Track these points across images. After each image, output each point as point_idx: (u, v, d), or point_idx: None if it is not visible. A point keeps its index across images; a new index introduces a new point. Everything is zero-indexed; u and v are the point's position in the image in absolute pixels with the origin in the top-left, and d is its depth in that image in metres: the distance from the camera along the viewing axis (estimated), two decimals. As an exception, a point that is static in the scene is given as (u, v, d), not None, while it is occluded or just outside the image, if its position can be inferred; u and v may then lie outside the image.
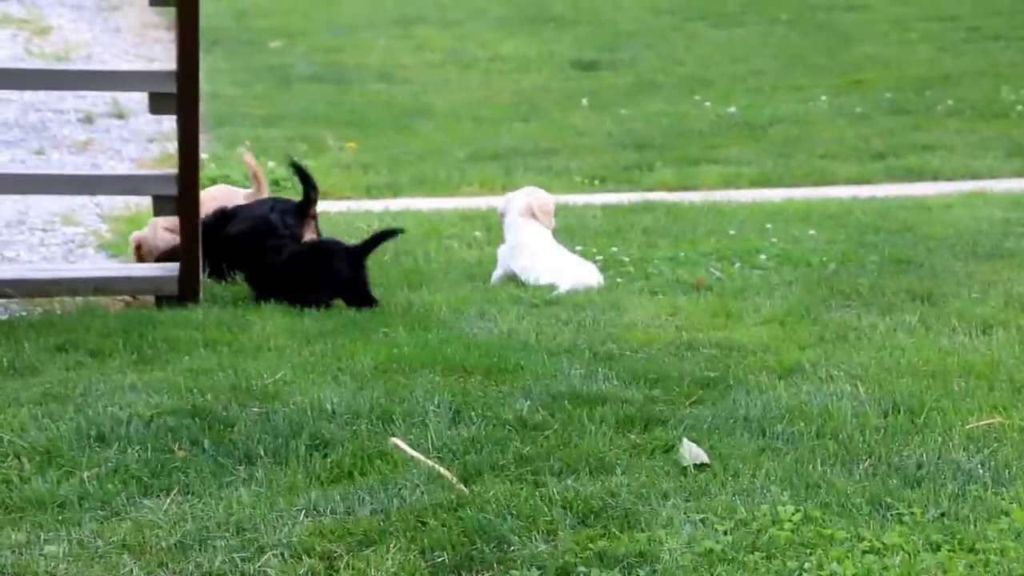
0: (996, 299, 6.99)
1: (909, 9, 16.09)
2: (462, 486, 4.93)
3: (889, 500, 4.81)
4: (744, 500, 4.81)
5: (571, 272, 7.45)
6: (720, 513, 4.73)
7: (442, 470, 5.03)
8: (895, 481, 4.95)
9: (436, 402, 5.60)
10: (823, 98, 12.64)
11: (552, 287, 7.32)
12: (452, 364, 6.06)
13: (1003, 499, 4.81)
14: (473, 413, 5.53)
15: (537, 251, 7.53)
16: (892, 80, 13.19)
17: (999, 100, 12.37)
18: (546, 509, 4.74)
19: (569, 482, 4.94)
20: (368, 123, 12.11)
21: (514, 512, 4.72)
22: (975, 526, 4.64)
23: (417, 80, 13.74)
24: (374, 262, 7.86)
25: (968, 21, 15.50)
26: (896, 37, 14.94)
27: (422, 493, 4.86)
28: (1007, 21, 15.43)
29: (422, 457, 5.13)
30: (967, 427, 5.39)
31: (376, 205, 9.41)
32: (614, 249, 8.13)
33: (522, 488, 4.90)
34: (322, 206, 9.56)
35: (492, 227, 8.68)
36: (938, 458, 5.12)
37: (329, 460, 5.12)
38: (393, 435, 5.32)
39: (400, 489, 4.89)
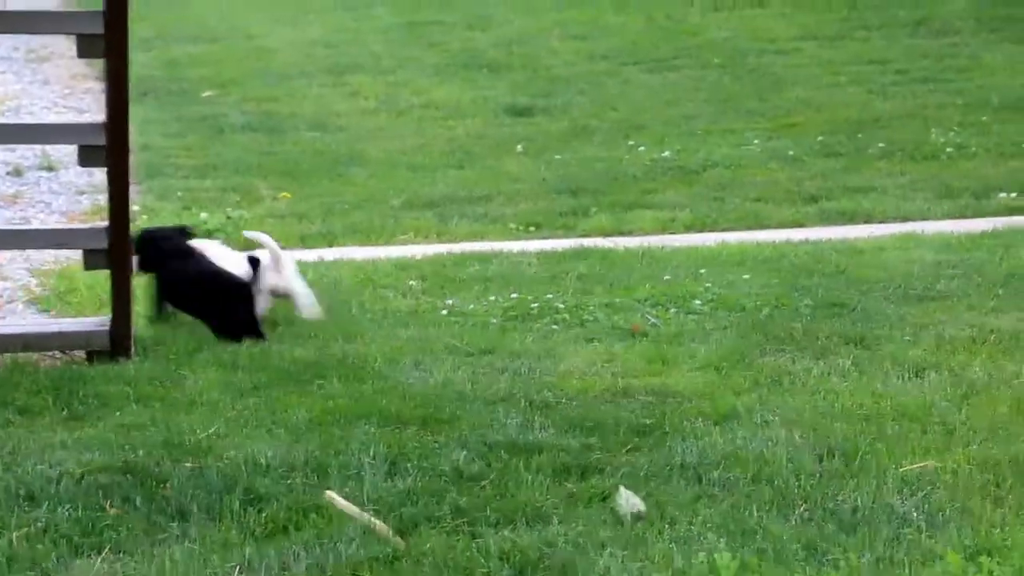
0: (928, 342, 7.03)
1: (839, 53, 16.22)
2: (398, 539, 4.90)
3: (825, 546, 4.82)
4: (681, 548, 4.81)
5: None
6: (657, 562, 4.72)
7: (378, 523, 4.99)
8: (831, 526, 4.96)
9: (372, 454, 5.57)
10: (756, 142, 12.72)
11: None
12: (387, 415, 6.03)
13: (937, 543, 4.83)
14: (409, 465, 5.50)
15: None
16: (824, 123, 13.28)
17: (929, 142, 12.48)
18: (483, 561, 4.72)
19: (506, 533, 4.92)
20: (302, 172, 12.07)
21: (451, 564, 4.70)
22: (910, 570, 4.66)
23: (351, 128, 13.72)
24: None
25: (897, 64, 15.65)
26: (827, 80, 15.06)
27: (358, 547, 4.82)
28: (935, 64, 15.59)
29: (358, 511, 5.10)
30: (901, 471, 5.41)
31: (310, 255, 9.37)
32: (549, 296, 8.13)
33: (459, 540, 4.87)
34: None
35: (428, 276, 8.67)
36: (873, 502, 5.14)
37: (264, 515, 5.08)
38: (328, 489, 5.27)
39: (336, 543, 4.85)
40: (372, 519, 5.02)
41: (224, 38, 17.53)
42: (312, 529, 4.97)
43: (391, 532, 4.94)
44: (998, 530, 4.92)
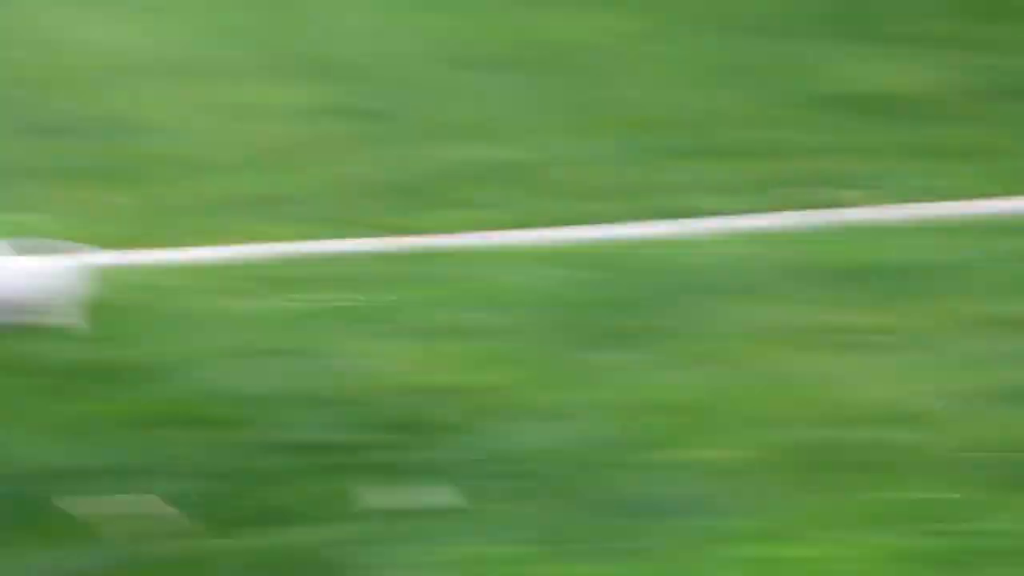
0: (735, 335, 7.18)
1: (668, 51, 16.37)
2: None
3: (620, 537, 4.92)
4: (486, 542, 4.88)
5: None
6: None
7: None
8: (626, 517, 5.07)
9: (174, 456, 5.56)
10: (583, 141, 12.68)
11: None
12: (191, 418, 6.01)
13: (734, 526, 4.93)
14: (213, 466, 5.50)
15: None
16: (647, 122, 13.21)
17: (750, 138, 12.58)
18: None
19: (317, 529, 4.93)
20: (116, 175, 11.85)
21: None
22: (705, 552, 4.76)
23: (170, 130, 13.46)
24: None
25: (724, 61, 15.83)
26: (652, 78, 15.18)
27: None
28: (761, 63, 15.79)
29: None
30: (699, 456, 5.53)
31: (124, 258, 9.19)
32: (370, 296, 8.14)
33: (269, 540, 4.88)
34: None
35: (250, 278, 8.60)
36: (672, 490, 5.26)
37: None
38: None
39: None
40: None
41: (31, 38, 17.16)
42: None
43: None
44: (795, 514, 5.05)
